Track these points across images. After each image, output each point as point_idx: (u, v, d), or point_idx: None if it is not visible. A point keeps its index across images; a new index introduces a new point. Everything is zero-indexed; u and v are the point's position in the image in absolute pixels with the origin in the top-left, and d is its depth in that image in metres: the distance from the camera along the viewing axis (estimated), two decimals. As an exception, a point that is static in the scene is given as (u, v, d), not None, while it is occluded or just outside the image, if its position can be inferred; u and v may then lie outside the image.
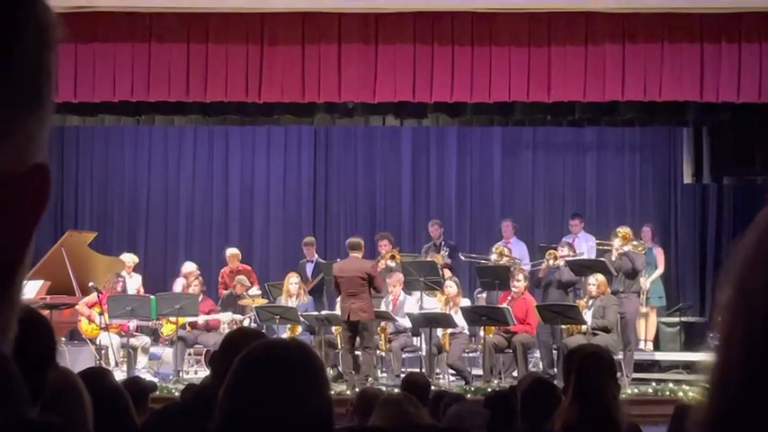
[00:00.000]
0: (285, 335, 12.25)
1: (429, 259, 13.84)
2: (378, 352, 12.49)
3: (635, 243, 13.24)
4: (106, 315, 12.59)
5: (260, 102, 13.13)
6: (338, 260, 13.54)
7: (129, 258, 14.33)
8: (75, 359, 11.88)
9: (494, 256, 13.95)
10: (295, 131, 17.31)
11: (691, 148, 15.57)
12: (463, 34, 12.76)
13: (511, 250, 14.25)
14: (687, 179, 15.97)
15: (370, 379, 11.83)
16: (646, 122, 14.80)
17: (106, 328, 12.66)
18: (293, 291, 13.14)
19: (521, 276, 12.72)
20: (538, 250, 14.63)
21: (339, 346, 12.54)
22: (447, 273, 13.67)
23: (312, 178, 17.56)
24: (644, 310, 14.28)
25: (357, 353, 12.23)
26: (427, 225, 15.03)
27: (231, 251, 14.69)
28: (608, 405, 4.02)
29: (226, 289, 14.23)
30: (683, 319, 15.08)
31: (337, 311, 12.39)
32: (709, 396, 0.88)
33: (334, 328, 12.67)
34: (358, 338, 12.11)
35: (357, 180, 17.61)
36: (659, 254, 14.83)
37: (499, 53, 12.77)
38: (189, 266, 14.27)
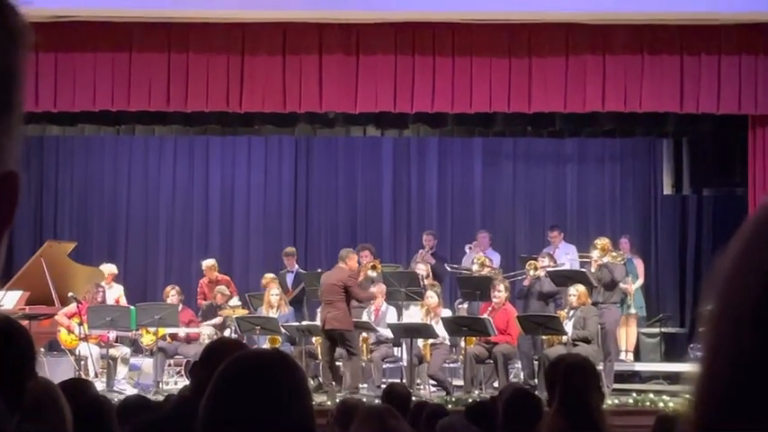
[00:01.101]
0: (265, 345, 12.22)
1: (414, 269, 13.84)
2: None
3: (614, 254, 13.25)
4: (85, 325, 12.54)
5: (241, 112, 13.11)
6: (319, 270, 13.54)
7: (109, 269, 14.26)
8: (54, 370, 11.82)
9: (475, 267, 13.95)
10: (276, 142, 17.29)
11: (671, 160, 15.63)
12: (444, 45, 12.77)
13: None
14: (667, 190, 16.02)
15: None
16: (626, 133, 14.83)
17: (85, 339, 12.60)
18: (274, 302, 13.10)
19: (501, 287, 12.70)
20: (519, 261, 14.64)
21: (320, 357, 12.51)
22: (428, 281, 13.65)
23: (293, 188, 17.53)
24: (633, 311, 14.35)
25: (338, 364, 12.21)
26: (408, 235, 14.96)
27: (208, 262, 14.66)
28: (592, 415, 4.02)
29: (205, 300, 14.19)
30: (663, 329, 15.11)
31: (317, 322, 12.37)
32: (695, 407, 0.87)
33: (314, 339, 12.65)
34: (338, 349, 12.09)
35: (338, 190, 17.60)
36: (639, 265, 14.86)
37: (480, 64, 12.79)
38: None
